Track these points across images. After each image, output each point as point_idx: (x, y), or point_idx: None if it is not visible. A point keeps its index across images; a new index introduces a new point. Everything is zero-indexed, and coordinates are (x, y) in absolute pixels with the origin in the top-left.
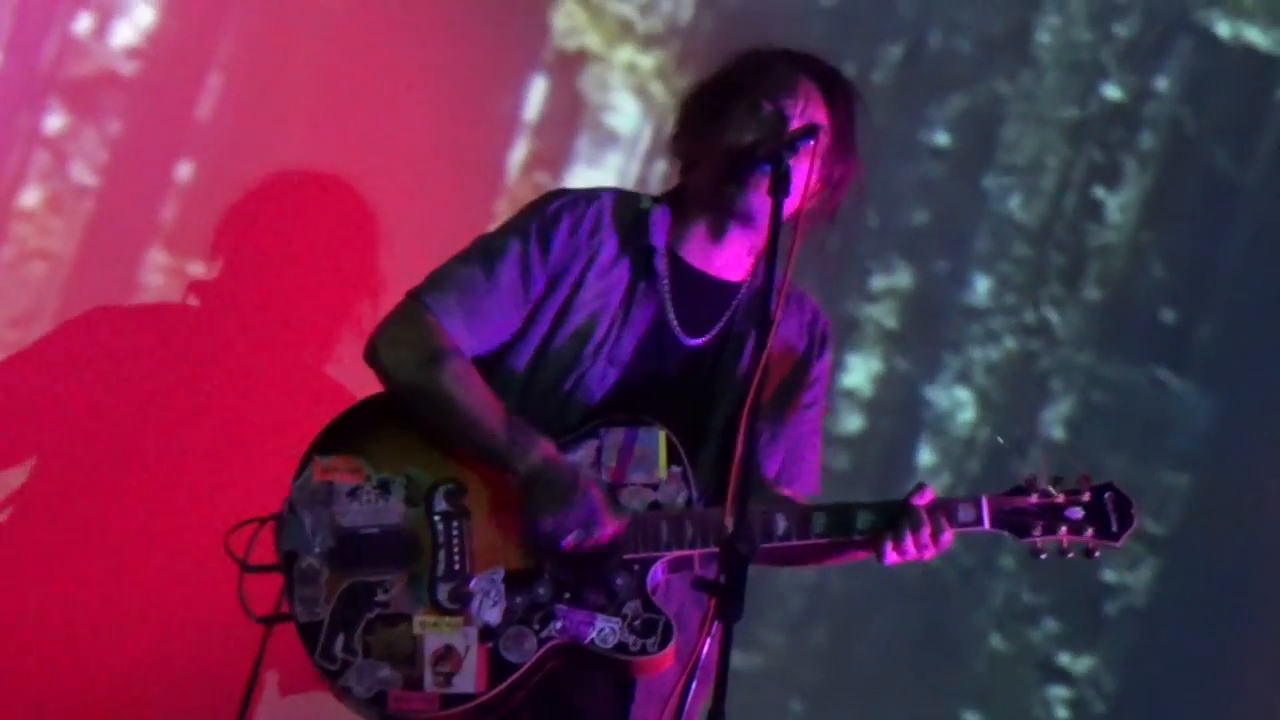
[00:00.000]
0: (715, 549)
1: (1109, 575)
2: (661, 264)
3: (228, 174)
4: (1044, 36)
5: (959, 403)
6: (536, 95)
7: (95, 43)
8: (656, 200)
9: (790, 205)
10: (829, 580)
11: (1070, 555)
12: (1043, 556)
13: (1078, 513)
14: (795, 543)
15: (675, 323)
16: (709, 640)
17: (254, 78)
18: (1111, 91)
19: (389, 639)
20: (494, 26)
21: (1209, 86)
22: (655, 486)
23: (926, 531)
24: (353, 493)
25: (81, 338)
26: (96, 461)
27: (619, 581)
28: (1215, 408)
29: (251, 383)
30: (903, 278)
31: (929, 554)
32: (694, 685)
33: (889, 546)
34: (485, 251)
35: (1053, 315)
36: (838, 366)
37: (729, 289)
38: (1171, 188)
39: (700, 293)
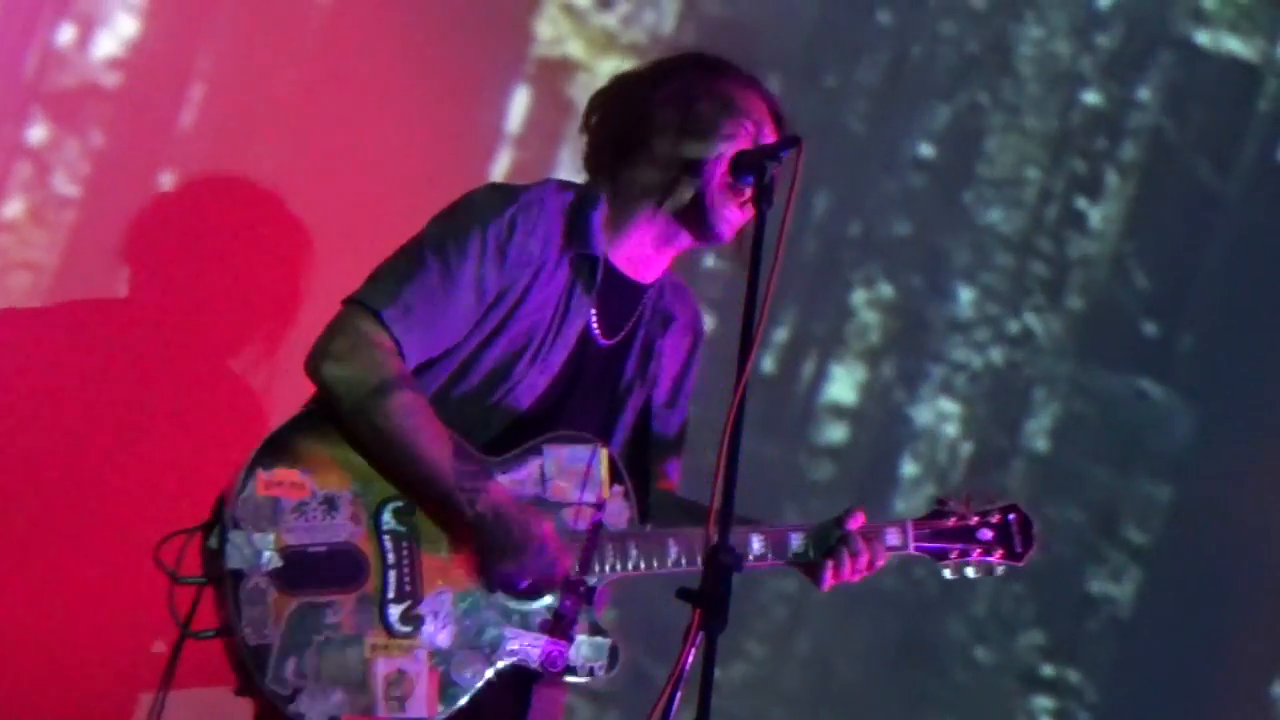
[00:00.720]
0: (660, 571)
1: (1092, 586)
2: (600, 274)
3: (209, 184)
4: (1025, 47)
5: (942, 414)
6: (519, 105)
7: (77, 54)
8: (594, 197)
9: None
10: (811, 590)
11: (972, 575)
12: (950, 577)
13: (988, 534)
14: (771, 563)
15: (596, 327)
16: (693, 651)
17: (236, 89)
18: (1093, 102)
19: (340, 662)
20: (476, 36)
21: (1190, 97)
22: (599, 506)
23: (864, 559)
24: (299, 509)
25: (16, 341)
26: (25, 466)
27: (567, 604)
28: (1197, 418)
29: (193, 390)
30: (885, 289)
31: (859, 578)
32: (678, 696)
33: (828, 573)
34: (441, 257)
35: (1035, 326)
36: (822, 377)
37: (641, 289)
38: (1153, 198)
39: (620, 295)
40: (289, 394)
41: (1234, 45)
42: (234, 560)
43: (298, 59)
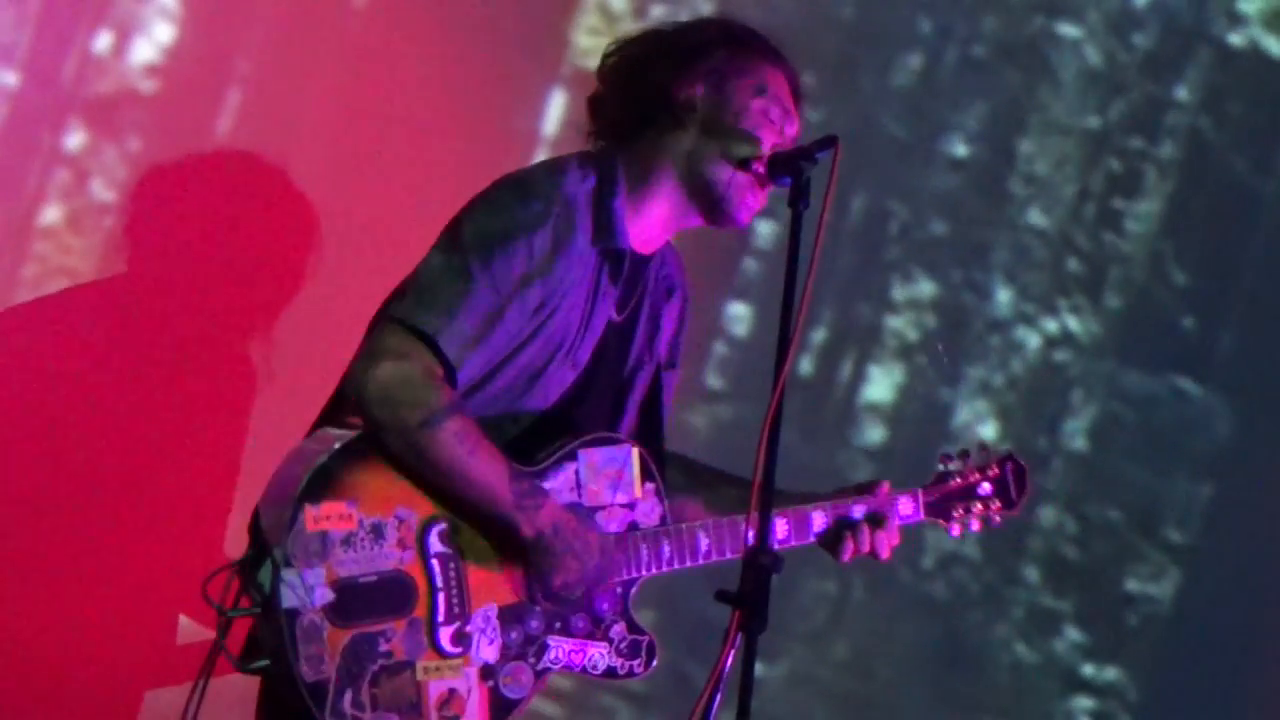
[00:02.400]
0: (693, 565)
1: (1132, 585)
2: (626, 266)
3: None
4: (1062, 46)
5: (980, 414)
6: (555, 110)
7: (115, 61)
8: (612, 179)
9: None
10: (851, 592)
11: (976, 529)
12: (955, 534)
13: (988, 488)
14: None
15: (613, 308)
16: (732, 652)
17: (273, 95)
18: (1130, 101)
19: (394, 688)
20: (513, 41)
21: (1228, 95)
22: (632, 506)
23: (883, 535)
24: (346, 540)
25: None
26: (47, 468)
27: (604, 606)
28: (1236, 416)
29: (227, 394)
30: (923, 289)
31: (884, 558)
32: (718, 697)
33: (849, 549)
34: (489, 275)
35: (1073, 325)
36: (861, 378)
37: (644, 261)
38: (1191, 197)
39: (632, 274)
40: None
41: (1271, 44)
42: (289, 599)
43: (334, 65)
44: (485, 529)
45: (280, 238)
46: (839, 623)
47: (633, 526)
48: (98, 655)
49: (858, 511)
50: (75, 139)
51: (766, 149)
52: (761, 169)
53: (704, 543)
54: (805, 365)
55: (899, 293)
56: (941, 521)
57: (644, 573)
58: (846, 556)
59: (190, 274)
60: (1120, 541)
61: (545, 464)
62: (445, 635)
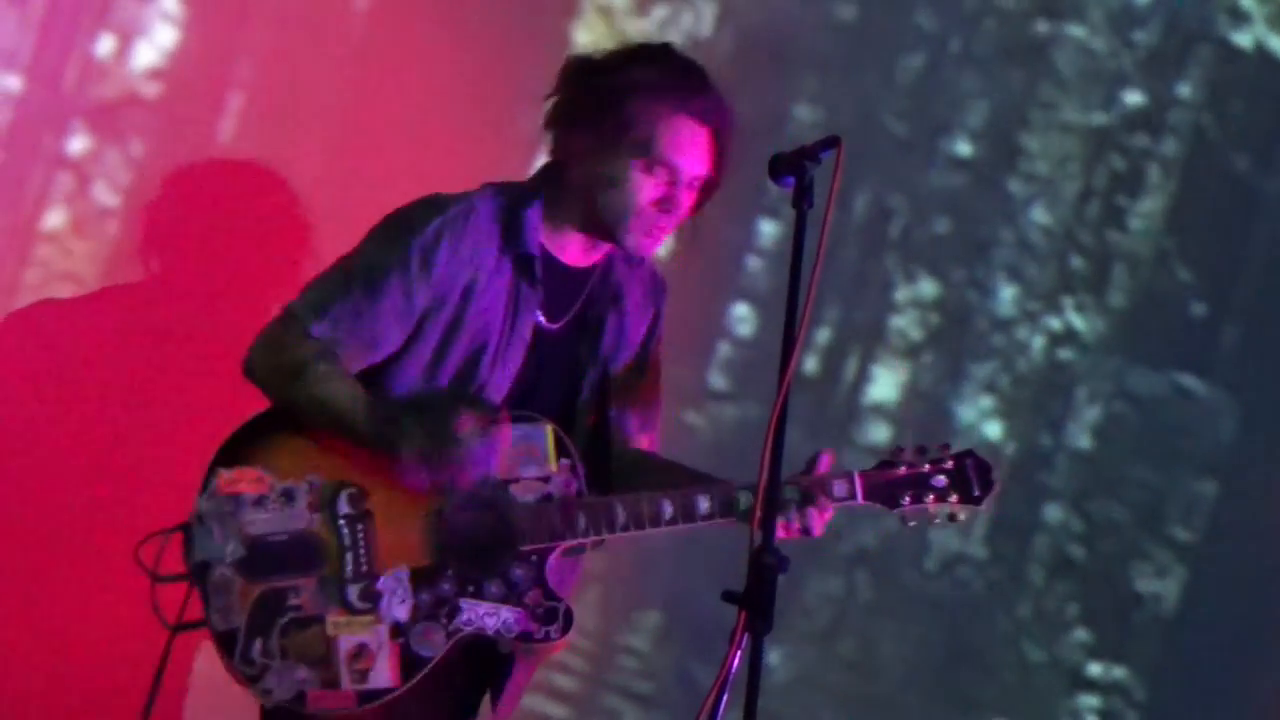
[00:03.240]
0: (611, 535)
1: (1138, 583)
2: (539, 269)
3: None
4: (1065, 44)
5: (985, 412)
6: None
7: (117, 64)
8: (530, 195)
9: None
10: (857, 591)
11: (937, 522)
12: (911, 524)
13: (942, 480)
14: (681, 526)
15: (542, 315)
16: (738, 653)
17: (275, 98)
18: (1133, 99)
19: (304, 641)
20: (514, 43)
21: (1231, 93)
22: (547, 479)
23: (812, 511)
24: (258, 502)
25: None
26: (46, 471)
27: (518, 573)
28: (1241, 414)
29: (228, 396)
30: (927, 288)
31: (816, 534)
32: (725, 698)
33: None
34: (368, 273)
35: (1078, 323)
36: (865, 377)
37: (583, 274)
38: (1194, 194)
39: (563, 282)
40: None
41: (1274, 42)
42: (199, 554)
43: (336, 67)
44: (391, 487)
45: (283, 240)
46: (845, 623)
47: (545, 499)
48: (96, 655)
49: (744, 500)
50: (78, 143)
51: (646, 201)
52: (640, 226)
53: (621, 514)
54: (810, 364)
55: (903, 292)
56: (887, 507)
57: (558, 541)
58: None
59: (194, 277)
60: (1126, 540)
61: None
62: (353, 592)
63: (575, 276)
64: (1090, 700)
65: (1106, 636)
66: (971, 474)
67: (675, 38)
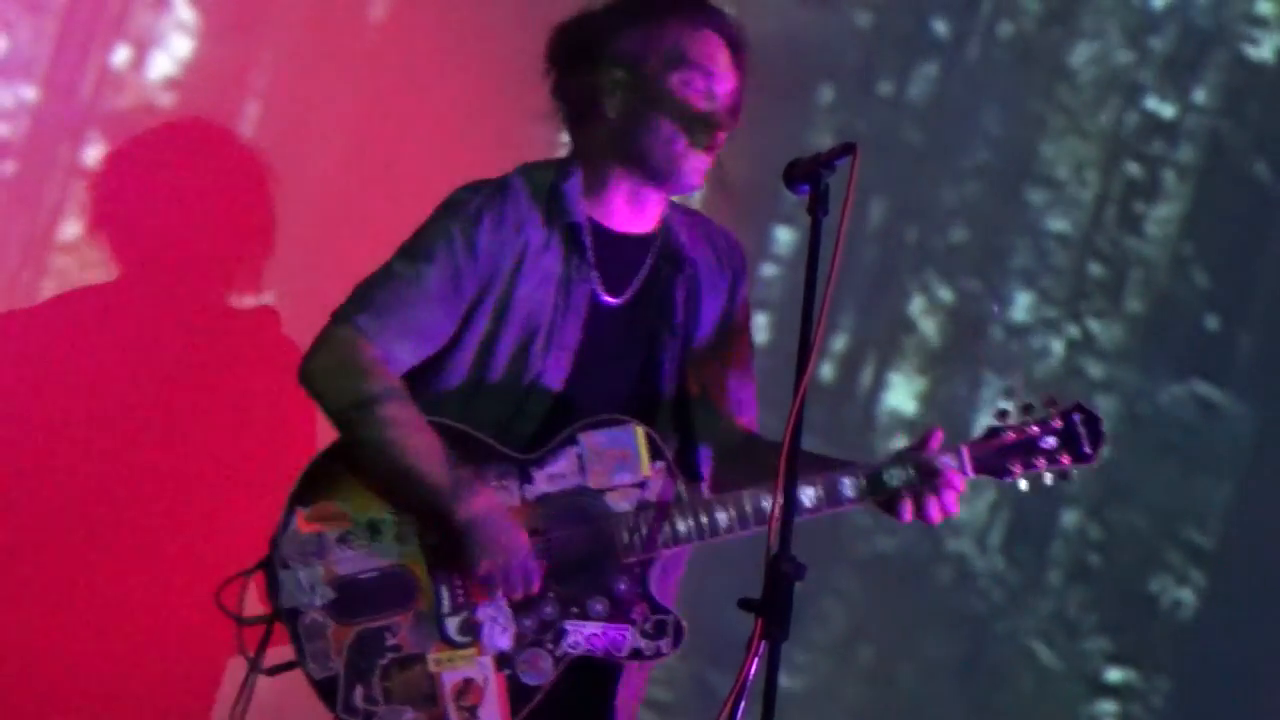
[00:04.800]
0: (712, 539)
1: (1155, 589)
2: (587, 238)
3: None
4: (1080, 52)
5: None
6: None
7: (133, 75)
8: (565, 167)
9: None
10: (874, 599)
11: (1049, 482)
12: (1024, 487)
13: (1051, 441)
14: (825, 511)
15: (600, 290)
16: (756, 660)
17: (290, 107)
18: (1150, 105)
19: (406, 681)
20: (528, 52)
21: (1247, 99)
22: (642, 485)
23: (930, 499)
24: (342, 539)
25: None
26: (68, 476)
27: (621, 587)
28: (1257, 419)
29: (238, 415)
30: (943, 295)
31: (934, 522)
32: (742, 706)
33: (908, 507)
34: (410, 261)
35: (1095, 329)
36: (882, 383)
37: (643, 241)
38: (1211, 200)
39: (619, 253)
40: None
41: None
42: (288, 599)
43: (351, 77)
44: (425, 518)
45: (296, 247)
46: (862, 630)
47: (642, 505)
48: (153, 678)
49: (895, 478)
50: (94, 152)
51: (691, 112)
52: (675, 125)
53: (722, 518)
54: (826, 372)
55: (918, 299)
56: (997, 476)
57: (657, 551)
58: (905, 517)
59: (204, 282)
60: (1143, 546)
61: (544, 450)
62: (451, 625)
63: (633, 245)
64: (1109, 706)
65: (1125, 643)
66: (1080, 429)
67: None
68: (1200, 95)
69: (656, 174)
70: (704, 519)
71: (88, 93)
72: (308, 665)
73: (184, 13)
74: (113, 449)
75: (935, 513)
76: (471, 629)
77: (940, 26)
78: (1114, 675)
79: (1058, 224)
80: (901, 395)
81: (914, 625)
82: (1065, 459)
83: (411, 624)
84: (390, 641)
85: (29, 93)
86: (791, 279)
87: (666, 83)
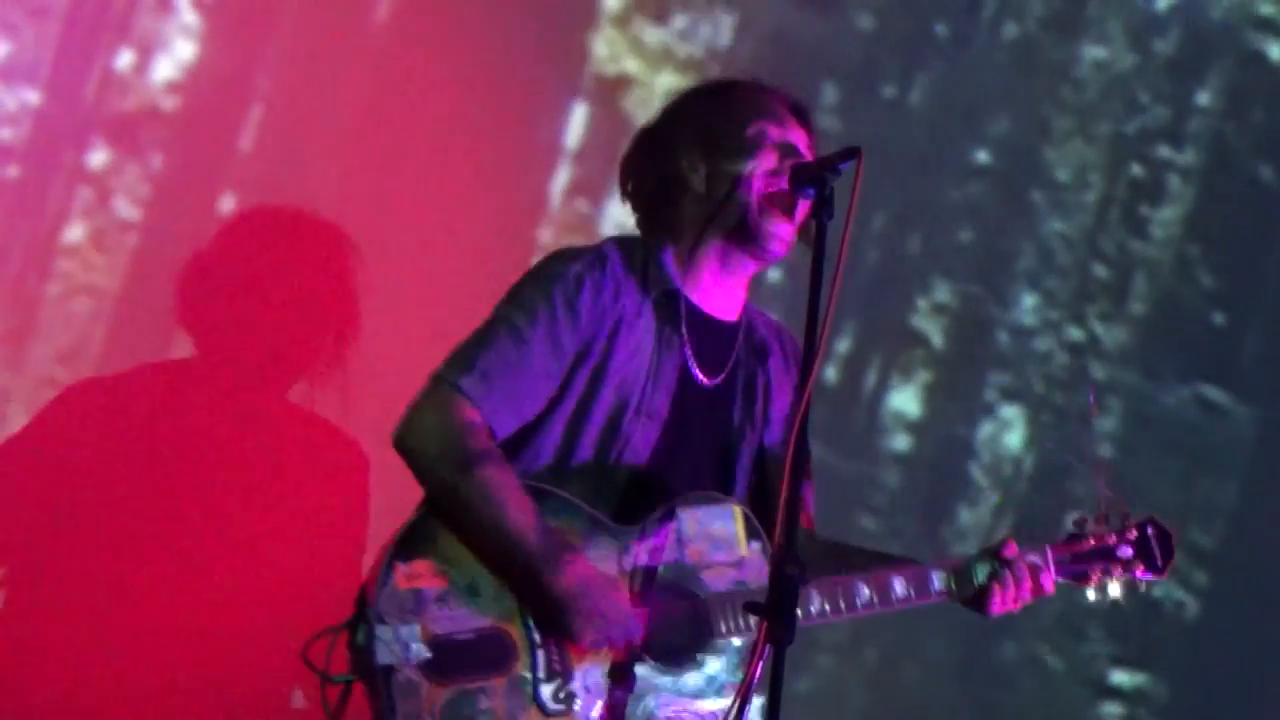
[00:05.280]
0: (804, 623)
1: (1159, 591)
2: (683, 307)
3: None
4: (1084, 54)
5: (1006, 421)
6: (577, 122)
7: (136, 78)
8: (658, 243)
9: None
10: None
11: (1115, 594)
12: (1090, 597)
13: (1128, 551)
14: (916, 602)
15: (695, 366)
16: (760, 663)
17: (294, 111)
18: (1153, 107)
19: None
20: (534, 55)
21: (1251, 101)
22: (739, 565)
23: (1027, 585)
24: (441, 598)
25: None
26: (128, 540)
27: (715, 665)
28: (1261, 420)
29: (273, 436)
30: (948, 297)
31: (1021, 605)
32: (747, 709)
33: (996, 599)
34: (511, 325)
35: (1099, 331)
36: (886, 386)
37: (731, 327)
38: (1215, 203)
39: (709, 334)
40: (362, 416)
41: None
42: (383, 656)
43: (356, 80)
44: (519, 585)
45: (303, 251)
46: (866, 632)
47: (739, 585)
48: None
49: (978, 569)
50: (98, 156)
51: (770, 165)
52: (780, 181)
53: (815, 604)
54: (830, 374)
55: (923, 301)
56: (1074, 582)
57: (752, 631)
58: (990, 612)
59: (245, 335)
60: None
61: (644, 523)
62: (547, 693)
63: (724, 330)
64: (1113, 708)
65: (1129, 644)
66: (1154, 543)
67: (694, 48)
68: (1204, 97)
69: (743, 239)
70: (800, 603)
71: (91, 96)
72: None
73: (187, 16)
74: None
75: (1016, 603)
76: (566, 698)
77: (942, 29)
78: (1118, 677)
79: (1062, 226)
80: (905, 397)
81: (918, 627)
82: (1140, 570)
83: (506, 689)
84: (484, 705)
85: (32, 96)
86: (796, 283)
87: (739, 139)
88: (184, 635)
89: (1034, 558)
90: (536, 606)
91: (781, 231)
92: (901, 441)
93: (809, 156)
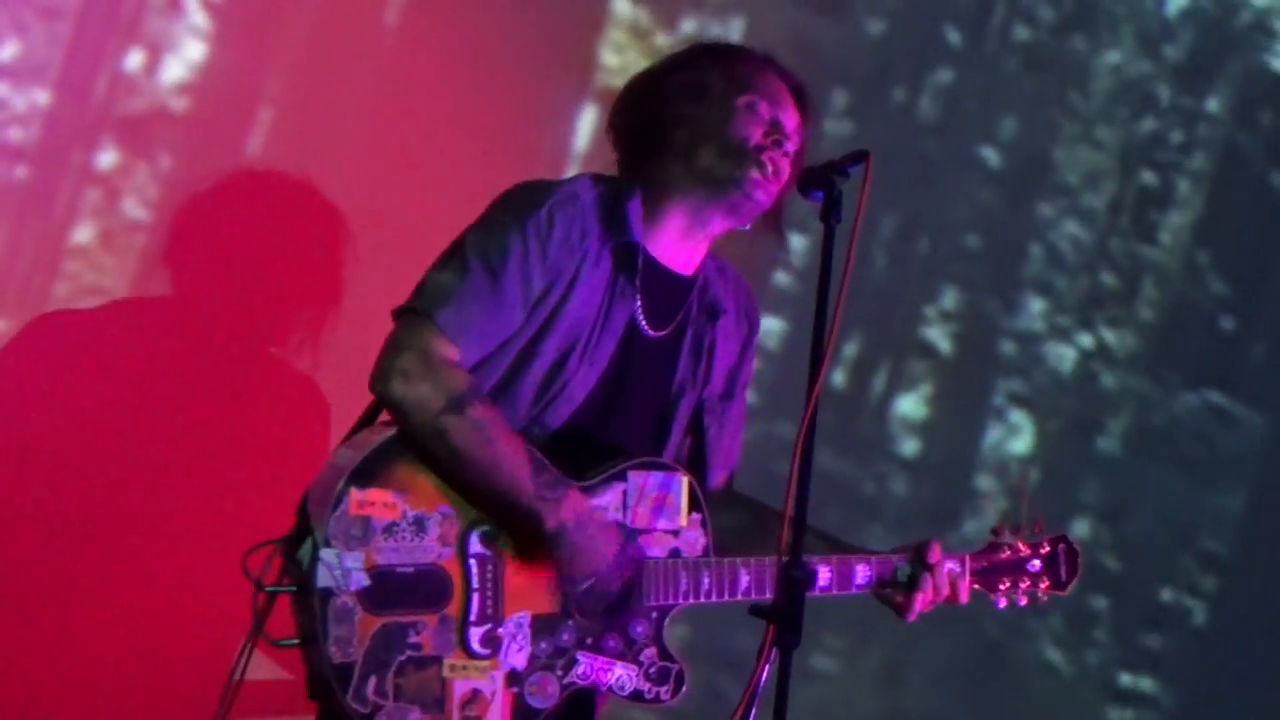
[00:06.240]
0: (730, 600)
1: (1168, 596)
2: (640, 260)
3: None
4: (1095, 59)
5: (1014, 426)
6: (585, 126)
7: (146, 79)
8: (629, 186)
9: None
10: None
11: (1023, 605)
12: (1001, 606)
13: (1037, 565)
14: (835, 593)
15: (643, 318)
16: (767, 666)
17: (304, 113)
18: (1163, 113)
19: (419, 682)
20: (543, 58)
21: (1261, 107)
22: (676, 533)
23: (945, 593)
24: (389, 529)
25: (72, 344)
26: (95, 470)
27: (639, 629)
28: (1270, 427)
29: (264, 397)
30: (956, 302)
31: (930, 609)
32: (753, 713)
33: (916, 603)
34: (485, 259)
35: (1107, 337)
36: (894, 391)
37: (686, 282)
38: (1224, 209)
39: (663, 287)
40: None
41: None
42: (324, 579)
43: (365, 83)
44: (510, 525)
45: (312, 254)
46: (872, 634)
47: (675, 553)
48: (173, 657)
49: (901, 569)
50: (107, 157)
51: (758, 135)
52: (765, 146)
53: (744, 579)
54: (838, 378)
55: (931, 305)
56: (987, 591)
57: (681, 601)
58: (909, 616)
59: (224, 288)
60: (1155, 552)
61: (594, 480)
62: (475, 636)
63: (678, 285)
64: (1121, 713)
65: (1137, 649)
66: (1062, 559)
67: None
68: (1214, 103)
69: (723, 189)
70: (726, 578)
71: (100, 97)
72: (328, 648)
73: (197, 17)
74: (144, 447)
75: (926, 607)
76: (493, 642)
77: (953, 34)
78: (1127, 682)
79: (1071, 232)
80: (913, 402)
81: (925, 631)
82: (1045, 585)
83: (437, 626)
84: (412, 639)
85: (41, 96)
86: (804, 286)
87: (733, 102)
88: (138, 592)
89: (953, 565)
90: (532, 539)
91: (761, 186)
92: (909, 446)
93: (794, 142)
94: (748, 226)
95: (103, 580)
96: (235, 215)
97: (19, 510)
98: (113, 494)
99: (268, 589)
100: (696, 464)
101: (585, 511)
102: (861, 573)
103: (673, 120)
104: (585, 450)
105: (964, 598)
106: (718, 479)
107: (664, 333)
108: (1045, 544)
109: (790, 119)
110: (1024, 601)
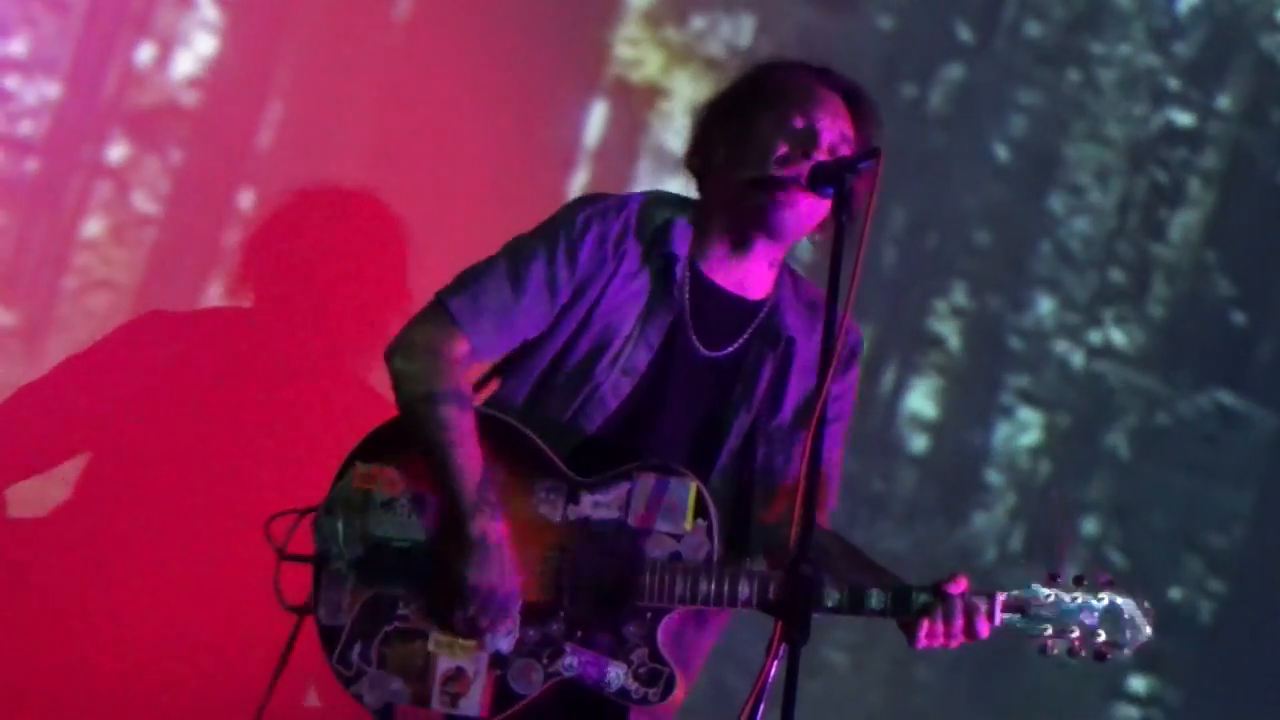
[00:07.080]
0: (728, 608)
1: (1174, 594)
2: (680, 272)
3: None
4: (1105, 56)
5: (1023, 423)
6: (597, 121)
7: (156, 73)
8: (680, 211)
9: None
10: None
11: (1082, 656)
12: (1053, 653)
13: (1093, 617)
14: (845, 614)
15: (692, 334)
16: (775, 663)
17: (314, 107)
18: (1173, 111)
19: (403, 653)
20: (554, 53)
21: (1271, 105)
22: (679, 538)
23: (959, 624)
24: (387, 504)
25: (128, 343)
26: (140, 458)
27: (630, 628)
28: (1278, 426)
29: (297, 389)
30: (965, 299)
31: (956, 644)
32: (761, 708)
33: (924, 631)
34: (513, 259)
35: (1116, 335)
36: (903, 387)
37: (750, 306)
38: (1234, 206)
39: (719, 308)
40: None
41: None
42: (321, 545)
43: (375, 77)
44: (519, 518)
45: (322, 246)
46: (880, 630)
47: (674, 557)
48: (216, 641)
49: (918, 601)
50: (117, 151)
51: (781, 152)
52: (789, 167)
53: (745, 590)
54: None
55: (940, 303)
56: (1026, 636)
57: (676, 604)
58: (916, 644)
59: (299, 300)
60: (1163, 551)
61: (601, 477)
62: (462, 616)
63: (739, 307)
64: (1128, 711)
65: (1145, 649)
66: (1124, 616)
67: (714, 47)
68: (1224, 101)
69: (748, 215)
70: (726, 587)
71: (111, 90)
72: (319, 610)
73: (208, 11)
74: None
75: (946, 639)
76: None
77: (963, 30)
78: (1134, 681)
79: (1080, 228)
80: (922, 398)
81: None
82: (1102, 639)
83: (424, 603)
84: (401, 611)
85: (52, 90)
86: (814, 281)
87: (760, 124)
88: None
89: (979, 601)
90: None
91: (782, 202)
92: (918, 443)
93: (827, 136)
94: (805, 238)
95: (142, 566)
96: (282, 236)
97: (71, 501)
98: (183, 492)
99: (287, 556)
100: (744, 490)
101: (507, 539)
102: (874, 599)
103: (712, 144)
104: (611, 455)
105: (983, 633)
106: (777, 510)
107: (721, 353)
108: (1104, 595)
109: (829, 127)
110: (1079, 654)
